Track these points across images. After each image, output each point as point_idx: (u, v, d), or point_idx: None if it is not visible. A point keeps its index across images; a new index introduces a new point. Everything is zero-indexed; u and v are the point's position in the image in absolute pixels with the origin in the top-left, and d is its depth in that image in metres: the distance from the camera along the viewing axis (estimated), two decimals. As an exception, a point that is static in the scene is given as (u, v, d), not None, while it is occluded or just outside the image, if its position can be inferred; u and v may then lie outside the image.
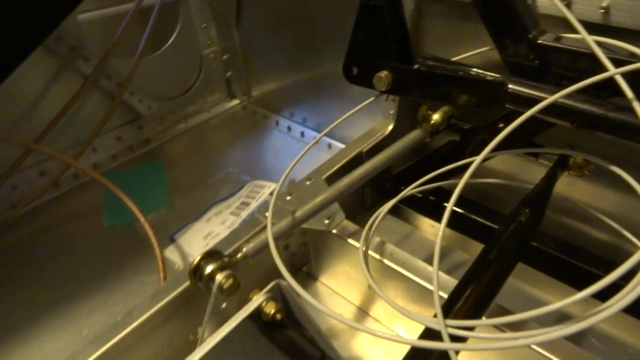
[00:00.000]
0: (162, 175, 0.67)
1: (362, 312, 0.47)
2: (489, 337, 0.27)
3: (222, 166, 0.69)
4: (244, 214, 0.58)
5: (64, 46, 0.61)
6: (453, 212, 0.51)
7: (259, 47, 0.76)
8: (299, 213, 0.38)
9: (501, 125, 0.44)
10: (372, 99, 0.47)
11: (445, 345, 0.26)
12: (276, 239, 0.36)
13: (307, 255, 0.49)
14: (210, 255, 0.34)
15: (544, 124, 0.36)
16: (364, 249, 0.39)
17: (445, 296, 0.33)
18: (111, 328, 0.35)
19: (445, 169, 0.42)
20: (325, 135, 0.73)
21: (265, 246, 0.36)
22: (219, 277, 0.33)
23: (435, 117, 0.47)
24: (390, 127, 0.55)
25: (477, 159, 0.32)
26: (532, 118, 0.30)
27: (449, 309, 0.30)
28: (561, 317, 0.41)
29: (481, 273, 0.32)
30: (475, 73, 0.35)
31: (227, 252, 0.36)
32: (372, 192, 0.57)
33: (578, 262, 0.40)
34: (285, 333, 0.33)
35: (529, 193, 0.38)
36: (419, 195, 0.52)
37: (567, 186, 0.46)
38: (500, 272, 0.32)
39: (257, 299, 0.34)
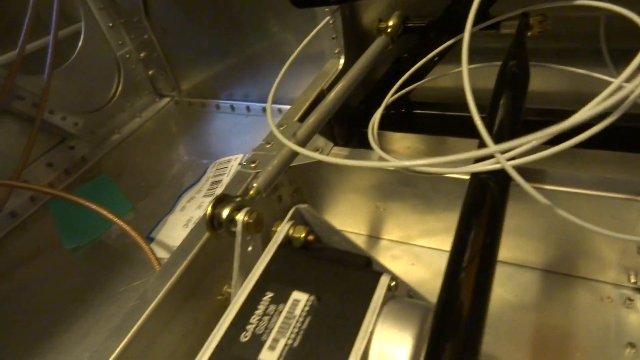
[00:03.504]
0: (113, 186, 0.61)
1: (376, 238, 0.45)
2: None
3: (177, 158, 0.64)
4: (219, 191, 0.54)
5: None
6: (431, 118, 0.52)
7: (178, 36, 0.71)
8: (288, 146, 0.36)
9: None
10: (312, 34, 0.46)
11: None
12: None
13: (302, 203, 0.47)
14: (221, 201, 0.31)
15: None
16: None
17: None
18: (127, 315, 0.30)
19: (423, 62, 0.42)
20: (274, 102, 0.71)
21: (277, 173, 0.34)
22: (240, 215, 0.30)
23: (391, 22, 0.47)
24: (342, 61, 0.54)
25: (467, 28, 0.32)
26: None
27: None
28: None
29: (500, 122, 0.32)
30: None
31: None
32: (341, 132, 0.56)
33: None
34: (324, 250, 0.31)
35: (509, 48, 0.38)
36: (391, 112, 0.52)
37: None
38: (518, 116, 0.32)
39: (283, 227, 0.31)
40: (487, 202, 0.28)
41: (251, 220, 0.30)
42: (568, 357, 0.33)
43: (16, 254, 0.56)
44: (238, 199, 0.32)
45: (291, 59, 0.44)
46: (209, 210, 0.31)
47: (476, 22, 0.43)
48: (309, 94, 0.50)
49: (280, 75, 0.42)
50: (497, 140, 0.30)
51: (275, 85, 0.40)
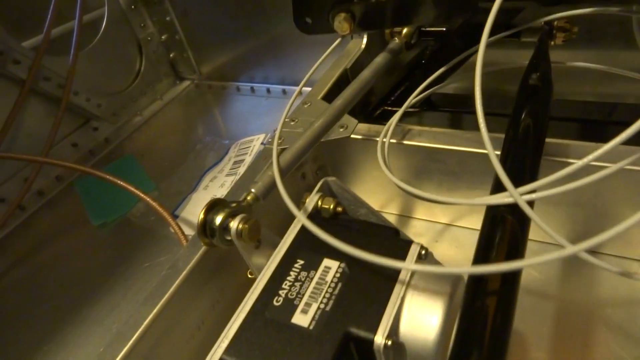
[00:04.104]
0: (137, 166, 0.62)
1: (399, 216, 0.45)
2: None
3: (199, 138, 0.65)
4: (242, 170, 0.54)
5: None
6: (451, 114, 0.51)
7: (199, 18, 0.72)
8: (313, 127, 0.36)
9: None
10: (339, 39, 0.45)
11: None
12: (295, 160, 0.34)
13: (326, 181, 0.47)
14: (214, 206, 0.29)
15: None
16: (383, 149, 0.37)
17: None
18: (160, 283, 0.31)
19: (441, 72, 0.41)
20: (291, 84, 0.72)
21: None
22: (234, 223, 0.28)
23: (404, 31, 0.45)
24: (364, 40, 0.54)
25: (484, 37, 0.29)
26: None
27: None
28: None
29: (522, 139, 0.30)
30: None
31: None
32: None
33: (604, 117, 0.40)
34: (352, 222, 0.31)
35: (530, 60, 0.37)
36: (413, 110, 0.51)
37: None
38: (540, 132, 0.31)
39: (312, 199, 0.31)
40: (505, 239, 0.26)
41: (245, 232, 0.28)
42: (593, 332, 0.33)
43: (44, 231, 0.57)
44: (234, 205, 0.29)
45: (327, 52, 0.43)
46: (201, 215, 0.28)
47: (497, 31, 0.42)
48: (333, 73, 0.50)
49: (318, 62, 0.42)
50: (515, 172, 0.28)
51: (311, 71, 0.40)
